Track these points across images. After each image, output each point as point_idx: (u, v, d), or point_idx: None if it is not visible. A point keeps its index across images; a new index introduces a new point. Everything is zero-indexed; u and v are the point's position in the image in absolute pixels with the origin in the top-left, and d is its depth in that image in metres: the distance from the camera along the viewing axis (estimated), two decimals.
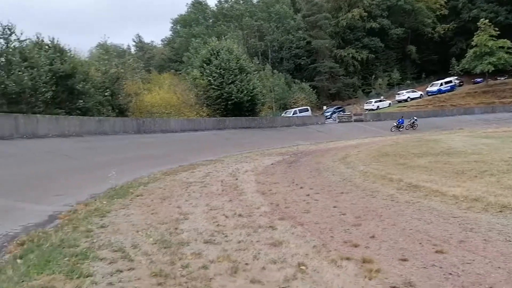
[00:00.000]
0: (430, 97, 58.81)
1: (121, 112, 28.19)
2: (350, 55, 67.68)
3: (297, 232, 6.40)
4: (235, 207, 8.66)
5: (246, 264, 5.09)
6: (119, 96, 28.09)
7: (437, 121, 44.10)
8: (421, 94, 59.64)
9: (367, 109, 55.27)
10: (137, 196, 10.51)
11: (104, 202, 9.59)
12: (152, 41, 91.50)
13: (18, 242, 6.51)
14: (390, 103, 58.15)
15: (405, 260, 4.94)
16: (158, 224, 7.39)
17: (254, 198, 9.60)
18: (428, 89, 60.67)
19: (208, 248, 5.87)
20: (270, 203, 8.89)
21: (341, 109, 54.78)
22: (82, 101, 23.79)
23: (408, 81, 69.08)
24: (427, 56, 70.86)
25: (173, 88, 35.15)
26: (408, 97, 58.75)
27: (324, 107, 57.46)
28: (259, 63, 53.36)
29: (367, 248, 5.46)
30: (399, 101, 58.64)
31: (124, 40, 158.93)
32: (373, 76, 67.55)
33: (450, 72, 63.12)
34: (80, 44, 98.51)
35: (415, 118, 41.45)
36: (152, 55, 79.76)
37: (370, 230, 6.30)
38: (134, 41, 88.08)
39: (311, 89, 60.61)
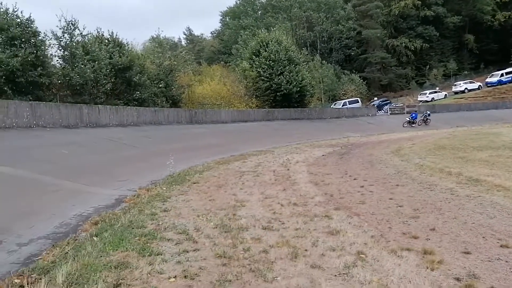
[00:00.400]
0: (490, 88, 55.61)
1: (174, 103, 29.16)
2: (403, 44, 65.21)
3: (353, 222, 6.48)
4: (289, 196, 8.84)
5: (305, 250, 5.26)
6: (173, 87, 29.06)
7: (497, 114, 41.76)
8: (479, 86, 56.54)
9: (421, 101, 53.27)
10: (194, 183, 10.97)
11: (164, 188, 10.12)
12: (202, 34, 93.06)
13: (91, 221, 7.09)
14: (446, 95, 55.64)
15: (468, 253, 4.89)
16: (216, 210, 7.72)
17: (307, 188, 9.73)
18: (487, 80, 57.36)
19: (266, 234, 6.10)
20: (324, 194, 8.99)
21: (387, 101, 52.55)
22: (138, 92, 24.88)
23: (466, 72, 65.57)
24: (486, 45, 66.74)
25: (223, 79, 35.77)
26: (466, 88, 55.93)
27: (375, 99, 56.03)
28: (307, 54, 52.86)
29: (427, 240, 5.45)
30: (456, 93, 55.99)
31: (175, 33, 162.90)
32: (428, 66, 64.82)
33: (511, 62, 59.25)
34: (133, 38, 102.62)
35: (428, 112, 39.32)
36: (202, 47, 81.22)
37: (429, 222, 6.24)
38: (185, 34, 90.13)
39: (361, 81, 59.25)
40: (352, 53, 67.04)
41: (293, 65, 36.42)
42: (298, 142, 24.66)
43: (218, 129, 27.46)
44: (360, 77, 59.92)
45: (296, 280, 4.26)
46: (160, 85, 27.26)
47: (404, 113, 45.45)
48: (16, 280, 4.53)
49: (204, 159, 16.19)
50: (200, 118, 28.58)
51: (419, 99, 54.60)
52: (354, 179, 10.82)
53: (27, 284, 4.26)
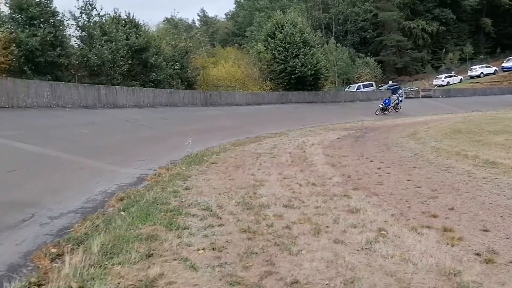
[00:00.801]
0: (506, 73, 54.36)
1: (189, 85, 29.29)
2: (420, 27, 63.85)
3: (372, 202, 6.61)
4: (307, 177, 8.98)
5: (327, 227, 5.41)
6: (188, 69, 29.15)
7: None
8: (495, 70, 55.35)
9: (436, 85, 52.49)
10: (212, 163, 11.16)
11: (183, 168, 10.33)
12: (216, 15, 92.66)
13: (117, 198, 7.35)
14: (461, 79, 54.68)
15: (486, 231, 5.00)
16: (237, 189, 7.91)
17: (324, 169, 9.86)
18: (503, 64, 56.01)
19: (287, 211, 6.27)
20: (341, 174, 9.11)
21: (396, 86, 51.05)
22: (154, 74, 25.04)
23: (482, 56, 64.07)
24: (503, 29, 64.94)
25: (237, 62, 35.70)
26: (482, 72, 54.84)
27: (390, 82, 55.35)
28: (322, 37, 52.29)
29: (446, 218, 5.56)
30: (471, 77, 54.96)
31: (189, 14, 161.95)
32: (444, 50, 63.59)
33: None
34: (149, 19, 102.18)
35: (400, 99, 35.80)
36: (216, 29, 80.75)
37: (448, 202, 6.35)
38: (199, 16, 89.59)
39: (376, 64, 58.51)
40: (368, 36, 66.03)
41: (308, 48, 36.12)
42: (312, 125, 24.68)
43: (232, 111, 27.58)
44: (375, 60, 59.14)
45: (320, 254, 4.42)
46: (176, 67, 27.37)
47: (419, 97, 44.97)
48: (52, 250, 4.79)
49: (220, 140, 16.37)
50: (214, 101, 28.70)
51: (434, 83, 53.80)
52: (371, 161, 10.91)
53: (67, 252, 4.50)
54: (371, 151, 12.83)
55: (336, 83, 52.01)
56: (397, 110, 34.61)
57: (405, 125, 23.12)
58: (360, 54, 61.15)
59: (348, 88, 48.10)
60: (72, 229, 5.62)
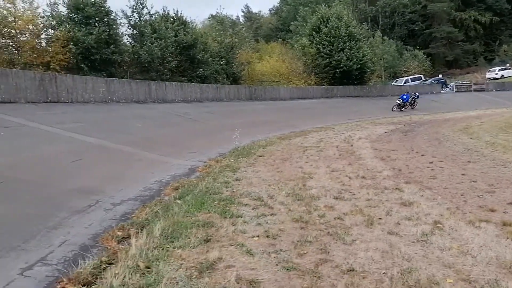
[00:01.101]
0: None
1: (235, 80, 29.68)
2: (472, 18, 60.68)
3: (426, 195, 6.50)
4: (356, 170, 8.93)
5: (380, 218, 5.41)
6: (233, 64, 29.55)
7: None
8: None
9: (489, 78, 49.87)
10: (259, 156, 11.33)
11: (232, 160, 10.57)
12: (259, 11, 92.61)
13: (172, 187, 7.68)
14: None
15: None
16: (286, 181, 8.02)
17: (374, 163, 9.75)
18: None
19: (338, 203, 6.30)
20: (391, 168, 8.99)
21: (442, 80, 48.53)
22: (201, 69, 25.61)
23: None
24: None
25: (282, 57, 35.68)
26: None
27: (440, 76, 53.15)
28: (368, 30, 51.05)
29: (505, 213, 5.39)
30: None
31: (233, 11, 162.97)
32: (497, 42, 60.11)
33: None
34: (196, 16, 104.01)
35: (417, 94, 33.10)
36: (259, 25, 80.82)
37: (506, 197, 6.14)
38: (243, 12, 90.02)
39: (425, 57, 56.33)
40: (416, 28, 63.63)
41: (354, 41, 35.46)
42: (358, 120, 24.31)
43: (277, 106, 27.67)
44: (423, 53, 56.96)
45: (374, 244, 4.45)
46: (221, 62, 27.82)
47: (471, 90, 42.97)
48: (118, 233, 5.13)
49: (265, 134, 16.54)
50: (259, 95, 28.91)
51: (488, 76, 51.09)
52: (422, 155, 10.66)
53: (133, 235, 4.82)
54: (421, 145, 12.51)
55: (383, 77, 50.67)
56: (412, 107, 31.29)
57: (457, 120, 22.28)
58: (408, 47, 59.08)
59: (396, 82, 46.74)
60: (133, 215, 5.97)
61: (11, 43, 18.59)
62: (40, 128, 11.39)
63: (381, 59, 48.71)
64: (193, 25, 27.19)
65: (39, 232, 4.96)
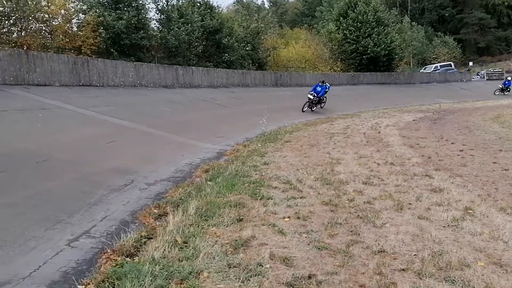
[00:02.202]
0: None
1: (260, 66, 29.64)
2: (505, 3, 58.26)
3: (456, 182, 6.49)
4: (385, 157, 8.93)
5: (410, 204, 5.46)
6: (259, 50, 29.48)
7: None
8: None
9: None
10: (286, 142, 11.43)
11: (259, 145, 10.72)
12: None
13: (202, 169, 7.90)
14: None
15: None
16: (314, 166, 8.11)
17: (402, 150, 9.72)
18: None
19: (367, 188, 6.37)
20: (421, 155, 8.94)
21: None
22: (227, 55, 25.67)
23: None
24: None
25: (307, 42, 35.31)
26: None
27: (470, 63, 51.55)
28: (397, 15, 49.78)
29: None
30: None
31: None
32: None
33: None
34: (220, 0, 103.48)
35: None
36: (285, 10, 79.92)
37: None
38: None
39: (456, 43, 54.62)
40: (446, 14, 61.65)
41: (382, 27, 34.73)
42: (385, 107, 24.02)
43: (302, 92, 27.40)
44: (454, 39, 55.25)
45: (405, 228, 4.52)
46: (247, 48, 27.80)
47: (503, 79, 41.60)
48: (154, 210, 5.37)
49: (291, 120, 16.60)
50: (285, 81, 28.82)
51: None
52: (452, 143, 10.55)
53: (170, 212, 5.04)
54: (451, 134, 12.34)
55: (411, 64, 49.56)
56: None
57: (487, 108, 21.73)
58: (438, 33, 57.38)
59: (424, 69, 45.68)
60: (167, 195, 6.21)
61: (44, 28, 19.08)
62: (76, 110, 11.79)
63: (409, 46, 47.58)
64: (219, 10, 27.16)
65: (81, 207, 5.24)
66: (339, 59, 35.25)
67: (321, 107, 21.50)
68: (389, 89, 32.94)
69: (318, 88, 20.75)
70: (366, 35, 34.02)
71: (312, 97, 20.18)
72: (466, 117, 17.24)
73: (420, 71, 44.91)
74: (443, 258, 3.69)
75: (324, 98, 21.47)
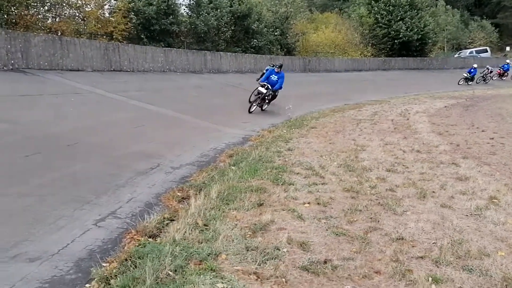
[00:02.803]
0: None
1: (289, 51, 29.37)
2: None
3: (483, 171, 6.34)
4: (411, 144, 8.78)
5: (433, 192, 5.39)
6: (287, 35, 29.17)
7: None
8: None
9: None
10: (312, 128, 11.38)
11: (284, 131, 10.73)
12: None
13: (226, 154, 8.01)
14: None
15: None
16: (338, 152, 8.08)
17: (430, 137, 9.51)
18: None
19: (391, 175, 6.31)
20: (449, 143, 8.74)
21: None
22: (255, 40, 25.55)
23: None
24: None
25: (337, 27, 34.64)
26: None
27: (507, 48, 49.17)
28: None
29: None
30: None
31: None
32: None
33: None
34: None
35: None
36: None
37: None
38: None
39: (493, 28, 52.13)
40: None
41: (415, 11, 33.61)
42: (417, 93, 23.37)
43: (331, 77, 27.15)
44: (491, 23, 52.73)
45: (426, 216, 4.49)
46: (276, 33, 27.56)
47: None
48: (178, 193, 5.52)
49: (318, 106, 16.46)
50: (313, 67, 28.49)
51: None
52: (482, 131, 10.24)
53: (192, 196, 5.18)
54: (482, 121, 11.95)
55: (445, 49, 47.85)
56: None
57: None
58: (474, 17, 54.91)
59: (459, 54, 44.00)
60: (191, 178, 6.35)
61: (77, 14, 19.56)
62: (106, 95, 12.12)
63: (443, 30, 45.88)
64: None
65: (109, 189, 5.45)
66: (370, 44, 34.47)
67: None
68: (421, 75, 32.01)
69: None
70: (398, 18, 33.03)
71: (264, 91, 13.85)
72: (499, 104, 16.61)
73: (455, 56, 43.30)
74: (463, 246, 3.66)
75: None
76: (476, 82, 28.85)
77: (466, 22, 52.78)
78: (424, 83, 27.71)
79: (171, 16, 20.69)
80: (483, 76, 29.75)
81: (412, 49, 34.98)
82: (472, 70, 28.76)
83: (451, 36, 48.93)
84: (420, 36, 33.73)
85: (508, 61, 32.77)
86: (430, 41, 36.62)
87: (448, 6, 50.20)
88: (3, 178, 5.23)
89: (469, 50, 43.90)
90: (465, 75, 28.82)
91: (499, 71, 31.70)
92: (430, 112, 14.73)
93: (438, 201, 5.00)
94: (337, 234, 4.07)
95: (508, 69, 31.32)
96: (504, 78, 31.17)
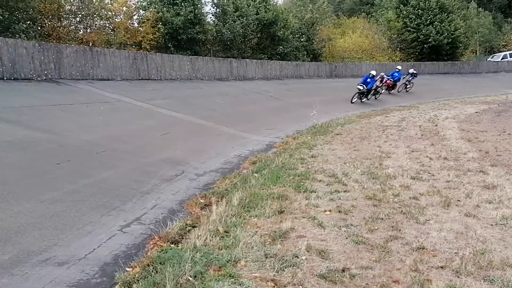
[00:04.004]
0: None
1: (315, 57, 29.34)
2: None
3: None
4: (439, 151, 8.60)
5: (458, 200, 5.27)
6: (313, 41, 29.18)
7: None
8: None
9: None
10: (337, 134, 11.33)
11: (309, 137, 10.72)
12: None
13: (250, 161, 8.10)
14: None
15: None
16: (362, 159, 8.01)
17: (459, 144, 9.29)
18: None
19: (415, 183, 6.21)
20: (478, 150, 8.51)
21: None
22: (281, 47, 25.72)
23: None
24: None
25: (365, 32, 34.32)
26: None
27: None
28: (463, 1, 46.74)
29: None
30: None
31: None
32: None
33: None
34: None
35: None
36: None
37: None
38: None
39: None
40: None
41: (445, 14, 32.88)
42: (447, 98, 22.86)
43: (358, 83, 26.90)
44: None
45: (449, 225, 4.41)
46: (302, 39, 27.62)
47: None
48: (201, 200, 5.63)
49: (345, 112, 16.36)
50: (340, 72, 28.32)
51: None
52: None
53: (214, 203, 5.28)
54: None
55: (478, 52, 46.44)
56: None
57: None
58: (508, 19, 53.09)
59: (492, 58, 42.58)
60: (214, 185, 6.47)
61: (107, 24, 20.25)
62: (134, 103, 12.47)
63: (476, 33, 44.60)
64: (274, 2, 27.15)
65: (134, 195, 5.63)
66: (398, 48, 33.96)
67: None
68: (452, 79, 31.22)
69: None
70: (428, 22, 32.39)
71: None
72: None
73: (487, 59, 41.98)
74: (485, 257, 3.58)
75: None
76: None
77: (500, 24, 51.12)
78: (455, 88, 27.08)
79: (197, 25, 21.12)
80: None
81: (443, 53, 34.21)
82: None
83: (484, 39, 47.50)
84: (450, 40, 32.96)
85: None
86: (461, 44, 35.71)
87: (481, 8, 48.80)
88: (38, 185, 5.50)
89: (502, 54, 42.44)
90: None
91: None
92: (460, 118, 14.37)
93: (462, 210, 4.89)
94: (357, 243, 4.06)
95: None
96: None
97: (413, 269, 3.46)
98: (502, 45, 48.16)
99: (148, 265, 3.58)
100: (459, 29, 33.59)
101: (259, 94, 18.55)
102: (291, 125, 13.11)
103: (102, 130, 9.09)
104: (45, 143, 7.41)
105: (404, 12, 33.27)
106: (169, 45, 20.60)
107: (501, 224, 4.37)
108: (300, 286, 3.24)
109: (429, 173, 6.79)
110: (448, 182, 6.16)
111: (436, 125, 12.59)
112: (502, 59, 40.70)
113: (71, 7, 18.26)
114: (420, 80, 29.79)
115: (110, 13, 19.64)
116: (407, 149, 8.99)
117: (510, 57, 40.76)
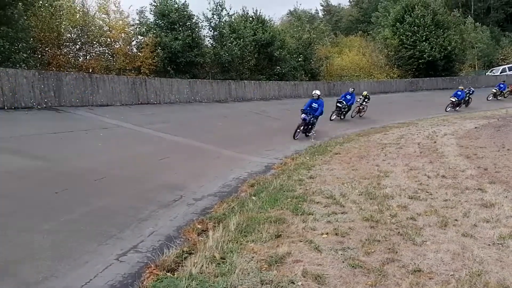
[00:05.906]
0: None
1: (313, 76, 29.62)
2: None
3: (511, 196, 6.13)
4: (437, 169, 8.60)
5: (456, 220, 5.26)
6: (311, 60, 29.51)
7: None
8: None
9: None
10: (336, 154, 11.34)
11: (307, 158, 10.75)
12: (339, 4, 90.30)
13: (248, 184, 8.11)
14: None
15: None
16: (360, 179, 8.01)
17: (457, 161, 9.29)
18: None
19: (413, 203, 6.20)
20: (477, 167, 8.51)
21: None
22: (279, 67, 26.02)
23: None
24: None
25: (362, 50, 34.73)
26: None
27: None
28: (459, 16, 47.33)
29: None
30: None
31: (312, 5, 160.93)
32: None
33: None
34: (273, 13, 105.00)
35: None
36: (339, 17, 79.03)
37: None
38: (322, 5, 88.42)
39: None
40: None
41: (441, 30, 33.31)
42: (446, 114, 22.93)
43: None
44: None
45: (446, 246, 4.39)
46: (299, 59, 27.94)
47: None
48: (198, 226, 5.63)
49: (343, 131, 16.43)
50: (338, 90, 28.49)
51: None
52: None
53: (211, 228, 5.28)
54: None
55: (476, 67, 46.79)
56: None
57: None
58: (507, 32, 53.65)
59: (490, 72, 42.88)
60: (212, 210, 6.47)
61: (107, 51, 20.57)
62: (133, 128, 12.58)
63: (473, 48, 45.02)
64: (271, 23, 27.62)
65: (132, 223, 5.63)
66: (395, 65, 34.28)
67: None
68: (450, 95, 31.33)
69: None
70: (424, 39, 32.83)
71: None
72: None
73: (486, 74, 42.26)
74: (481, 278, 3.56)
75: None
76: (504, 97, 28.13)
77: (498, 38, 51.62)
78: None
79: (196, 49, 21.42)
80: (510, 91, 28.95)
81: (439, 69, 34.49)
82: (501, 85, 28.28)
83: (482, 54, 47.88)
84: (444, 55, 33.27)
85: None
86: (456, 59, 36.04)
87: (478, 23, 49.36)
88: (36, 216, 5.51)
89: (501, 67, 42.73)
90: (494, 90, 28.20)
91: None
92: (459, 134, 14.40)
93: (460, 229, 4.88)
94: (353, 266, 4.04)
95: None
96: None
97: None
98: (501, 59, 48.51)
99: None
100: (453, 44, 33.95)
101: (258, 114, 18.67)
102: (290, 145, 13.18)
103: (101, 156, 9.15)
104: (44, 172, 7.45)
105: (401, 30, 33.77)
106: (168, 68, 20.88)
107: (498, 243, 4.35)
108: None
109: (427, 192, 6.78)
110: (445, 201, 6.15)
111: (435, 142, 12.61)
112: (501, 72, 40.96)
113: (71, 35, 18.59)
114: (419, 96, 30.00)
115: (109, 39, 19.98)
116: (406, 167, 9.00)
117: (509, 71, 41.03)
